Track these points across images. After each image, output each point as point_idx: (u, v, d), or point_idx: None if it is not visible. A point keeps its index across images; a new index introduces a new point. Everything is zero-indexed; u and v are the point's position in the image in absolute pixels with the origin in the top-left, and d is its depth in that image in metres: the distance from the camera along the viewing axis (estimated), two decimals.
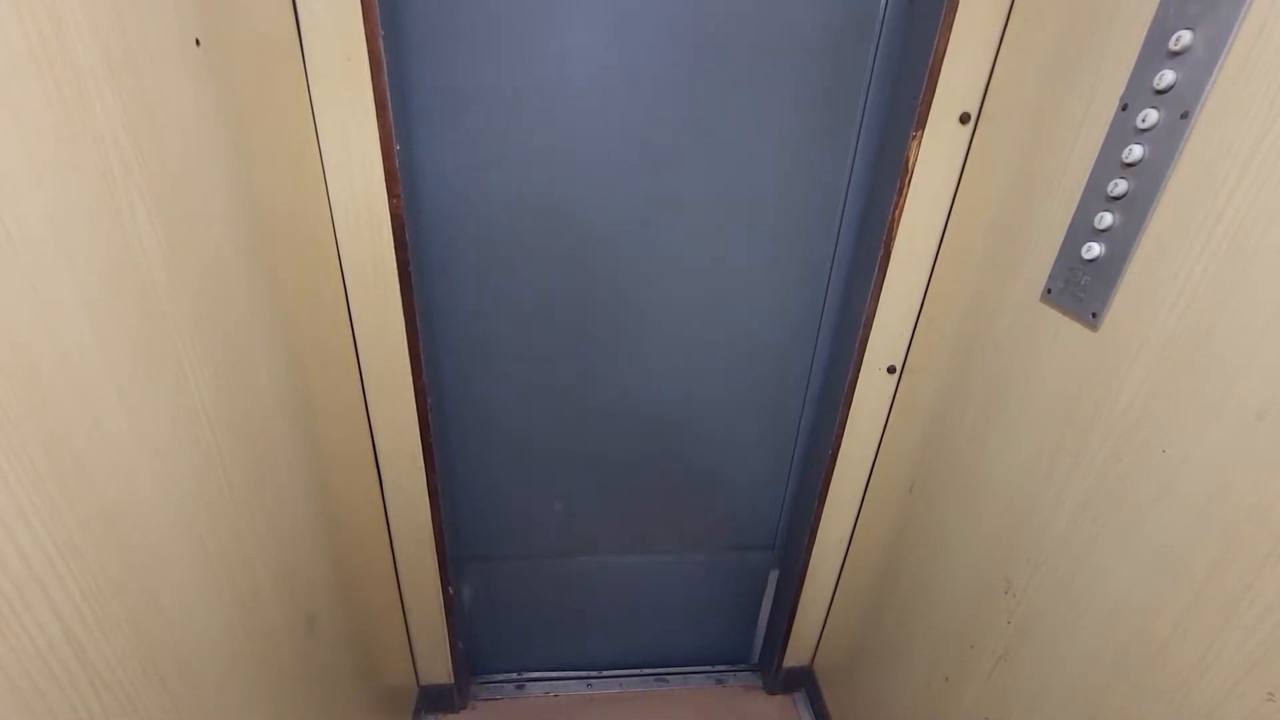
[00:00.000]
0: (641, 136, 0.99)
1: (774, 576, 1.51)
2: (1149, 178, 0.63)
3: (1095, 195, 0.70)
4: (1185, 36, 0.59)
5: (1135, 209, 0.65)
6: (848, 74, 0.98)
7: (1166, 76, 0.61)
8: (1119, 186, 0.66)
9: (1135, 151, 0.64)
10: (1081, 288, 0.71)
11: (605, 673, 1.61)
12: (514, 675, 1.59)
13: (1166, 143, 0.61)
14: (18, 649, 0.41)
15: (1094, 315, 0.69)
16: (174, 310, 0.57)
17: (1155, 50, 0.63)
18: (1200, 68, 0.58)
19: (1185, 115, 0.59)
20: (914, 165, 0.95)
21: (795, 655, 1.53)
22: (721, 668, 1.65)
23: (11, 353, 0.41)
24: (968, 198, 0.97)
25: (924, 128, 0.93)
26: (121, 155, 0.50)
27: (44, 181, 0.43)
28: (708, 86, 0.97)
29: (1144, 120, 0.63)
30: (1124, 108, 0.67)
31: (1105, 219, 0.68)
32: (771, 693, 1.59)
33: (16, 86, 0.41)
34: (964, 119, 0.94)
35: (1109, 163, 0.68)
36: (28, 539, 0.42)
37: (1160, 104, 0.62)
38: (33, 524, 0.42)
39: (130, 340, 0.51)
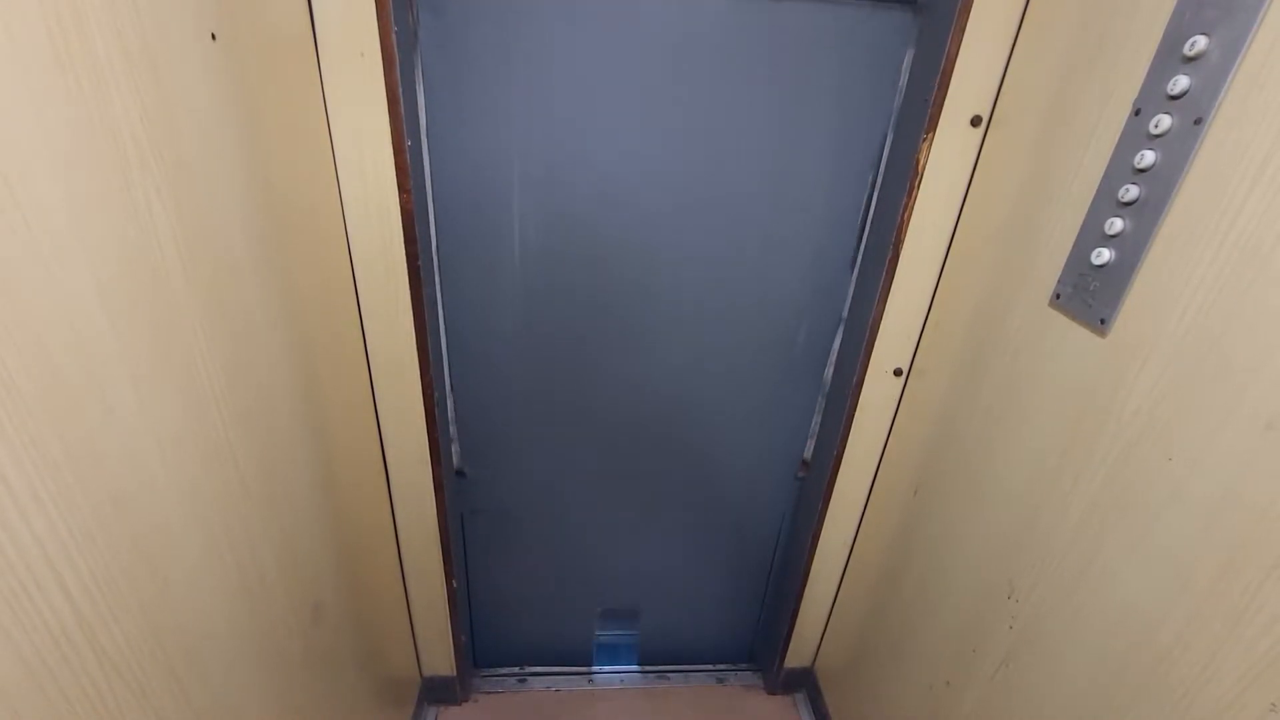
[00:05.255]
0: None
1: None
2: (1161, 183, 0.63)
3: (1106, 200, 0.70)
4: (1200, 42, 0.59)
5: (1146, 215, 0.64)
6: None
7: (1180, 82, 0.60)
8: (1130, 192, 0.66)
9: (1147, 157, 0.64)
10: (1091, 293, 0.71)
11: (606, 668, 1.62)
12: (516, 669, 1.60)
13: (1179, 148, 0.61)
14: (31, 631, 0.42)
15: (1103, 321, 0.69)
16: (187, 301, 0.58)
17: (1169, 55, 0.63)
18: (1215, 73, 0.58)
19: (1198, 121, 0.59)
20: (924, 167, 0.95)
21: (797, 656, 1.53)
22: (723, 666, 1.65)
23: (29, 340, 0.41)
24: (978, 201, 0.97)
25: (935, 130, 0.92)
26: (138, 147, 0.51)
27: (63, 173, 0.44)
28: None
29: (1157, 125, 0.63)
30: (1137, 113, 0.66)
31: (1116, 224, 0.67)
32: (772, 693, 1.59)
33: (39, 78, 0.42)
34: (975, 122, 0.93)
35: (1121, 168, 0.68)
36: (42, 523, 0.43)
37: (1173, 109, 0.62)
38: (47, 508, 0.43)
39: (144, 330, 0.52)
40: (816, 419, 1.29)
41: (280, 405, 0.77)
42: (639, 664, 1.63)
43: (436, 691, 1.48)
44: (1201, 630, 0.58)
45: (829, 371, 1.23)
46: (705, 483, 1.35)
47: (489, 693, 1.54)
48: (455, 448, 1.26)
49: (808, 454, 1.33)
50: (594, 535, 1.40)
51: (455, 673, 1.45)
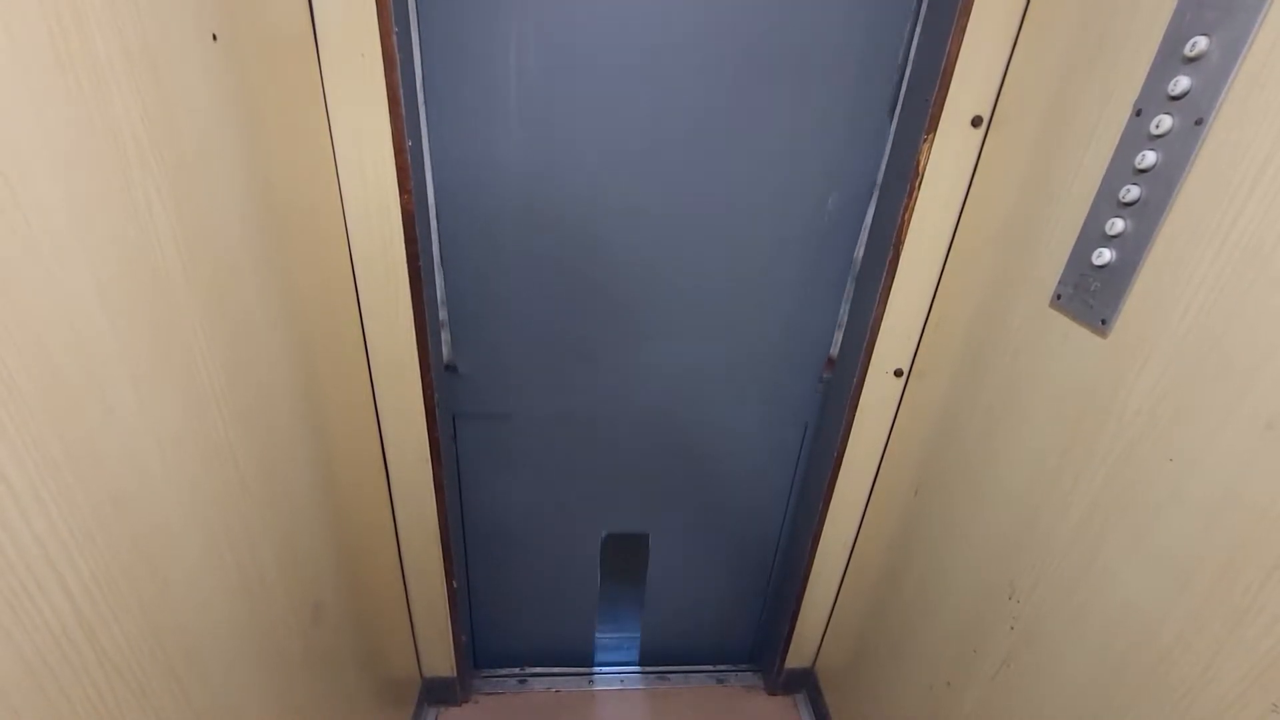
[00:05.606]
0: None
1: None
2: (1162, 184, 0.63)
3: (1107, 201, 0.70)
4: (1201, 42, 0.59)
5: (1147, 215, 0.64)
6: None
7: (1181, 82, 0.60)
8: (1131, 192, 0.66)
9: (1148, 158, 0.64)
10: (1091, 294, 0.71)
11: (607, 669, 1.62)
12: (516, 670, 1.60)
13: (1180, 149, 0.61)
14: (32, 631, 0.42)
15: (1103, 321, 0.69)
16: (187, 301, 0.58)
17: (1170, 56, 0.63)
18: (1215, 74, 0.58)
19: (1199, 122, 0.59)
20: (925, 168, 0.95)
21: (797, 656, 1.53)
22: (723, 667, 1.65)
23: (29, 340, 0.41)
24: (978, 201, 0.97)
25: (935, 130, 0.92)
26: (139, 148, 0.51)
27: (63, 173, 0.44)
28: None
29: (1157, 126, 0.63)
30: (1138, 113, 0.66)
31: (1117, 225, 0.67)
32: (773, 693, 1.59)
33: (39, 79, 0.42)
34: (976, 122, 0.93)
35: (1121, 168, 0.68)
36: (43, 523, 0.42)
37: (1174, 110, 0.62)
38: (48, 508, 0.43)
39: (143, 330, 0.52)
40: (845, 308, 1.19)
41: (280, 405, 0.77)
42: (639, 664, 1.63)
43: (437, 692, 1.48)
44: (1202, 630, 0.58)
45: (859, 251, 1.14)
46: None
47: (489, 693, 1.54)
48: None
49: (834, 351, 1.24)
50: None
51: (455, 673, 1.45)
